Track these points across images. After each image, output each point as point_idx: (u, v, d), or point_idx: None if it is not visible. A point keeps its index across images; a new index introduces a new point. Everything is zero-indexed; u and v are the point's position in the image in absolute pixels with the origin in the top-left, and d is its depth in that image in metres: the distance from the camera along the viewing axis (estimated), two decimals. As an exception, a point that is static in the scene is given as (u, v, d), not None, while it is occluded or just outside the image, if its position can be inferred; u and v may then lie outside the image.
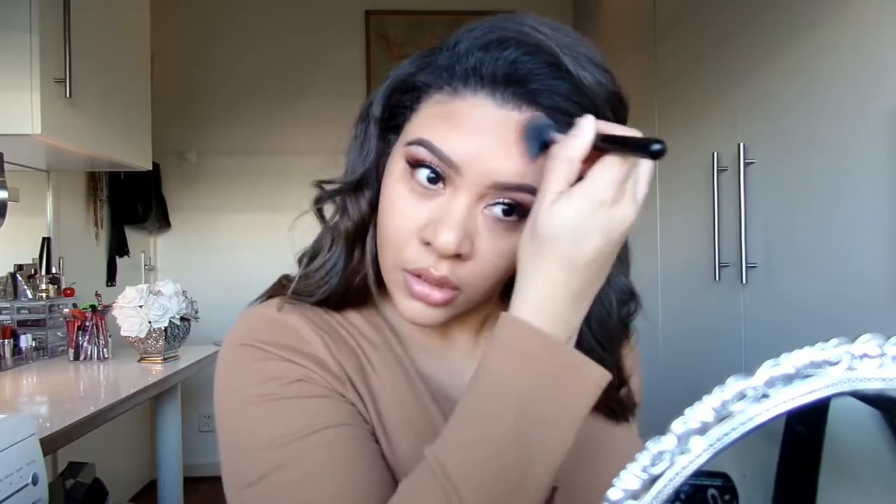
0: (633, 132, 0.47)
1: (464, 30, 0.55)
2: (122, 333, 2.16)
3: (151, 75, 2.71)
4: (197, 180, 3.53)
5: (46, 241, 2.45)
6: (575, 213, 0.45)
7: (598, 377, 0.47)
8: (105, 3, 2.27)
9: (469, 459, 0.46)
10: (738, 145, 1.75)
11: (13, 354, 2.10)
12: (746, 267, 1.74)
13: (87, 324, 2.22)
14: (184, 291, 2.24)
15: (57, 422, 1.45)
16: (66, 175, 2.74)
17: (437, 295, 0.54)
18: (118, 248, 3.15)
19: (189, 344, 2.35)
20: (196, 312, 2.30)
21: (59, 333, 2.31)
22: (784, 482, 0.46)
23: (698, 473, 0.32)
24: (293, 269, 0.64)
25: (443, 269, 0.53)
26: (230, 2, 3.55)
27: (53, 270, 2.44)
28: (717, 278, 1.87)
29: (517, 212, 0.53)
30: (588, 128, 0.46)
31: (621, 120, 0.53)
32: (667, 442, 0.32)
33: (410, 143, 0.54)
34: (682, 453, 0.32)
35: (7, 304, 2.22)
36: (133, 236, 3.28)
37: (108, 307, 2.23)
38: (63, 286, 2.41)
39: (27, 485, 1.20)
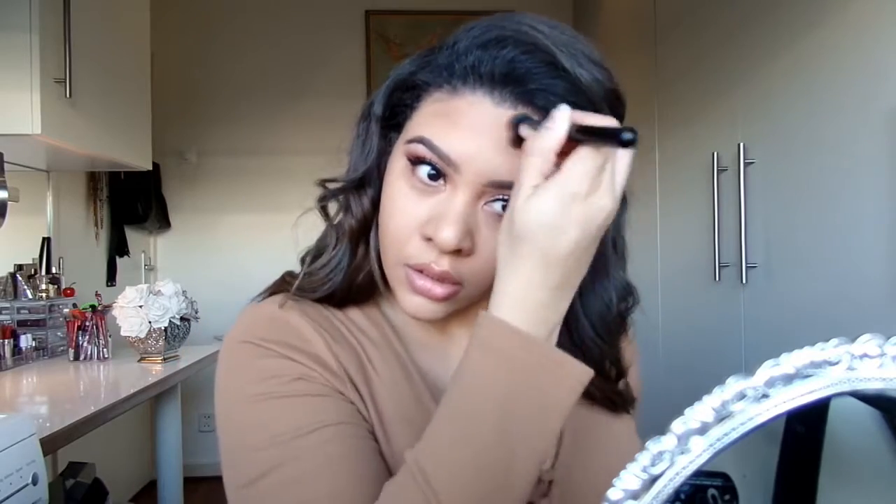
0: (610, 121, 0.47)
1: (463, 29, 0.56)
2: (122, 333, 2.16)
3: (151, 75, 2.71)
4: (197, 180, 3.53)
5: (46, 241, 2.45)
6: (550, 207, 0.45)
7: (579, 373, 0.47)
8: (105, 3, 2.27)
9: (450, 461, 0.46)
10: (738, 145, 1.75)
11: (13, 354, 2.10)
12: (746, 267, 1.74)
13: (87, 324, 2.22)
14: (184, 291, 2.24)
15: (57, 422, 1.45)
16: (66, 175, 2.74)
17: (439, 290, 0.54)
18: (118, 248, 3.15)
19: (189, 344, 2.35)
20: (196, 312, 2.30)
21: (59, 333, 2.31)
22: (784, 482, 0.46)
23: (698, 473, 0.32)
24: (294, 269, 0.64)
25: (444, 265, 0.53)
26: (230, 2, 3.55)
27: (53, 270, 2.44)
28: (717, 278, 1.87)
29: None
30: (561, 119, 0.46)
31: (619, 116, 0.53)
32: (667, 442, 0.32)
33: (411, 141, 0.54)
34: (682, 453, 0.32)
35: (7, 304, 2.22)
36: (133, 236, 3.28)
37: (108, 307, 2.23)
38: (63, 286, 2.41)
39: (27, 485, 1.20)
